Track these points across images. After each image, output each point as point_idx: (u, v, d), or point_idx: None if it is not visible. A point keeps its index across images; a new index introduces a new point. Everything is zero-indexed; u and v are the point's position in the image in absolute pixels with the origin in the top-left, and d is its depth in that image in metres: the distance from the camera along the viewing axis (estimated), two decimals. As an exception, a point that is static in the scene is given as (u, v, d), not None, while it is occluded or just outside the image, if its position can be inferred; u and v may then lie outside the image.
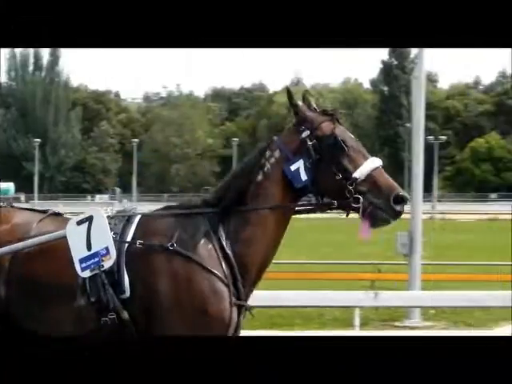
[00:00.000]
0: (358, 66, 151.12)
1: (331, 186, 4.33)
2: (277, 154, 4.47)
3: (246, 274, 4.42)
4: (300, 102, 4.54)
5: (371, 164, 4.31)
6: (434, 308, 13.33)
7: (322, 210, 4.51)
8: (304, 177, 4.36)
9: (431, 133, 67.42)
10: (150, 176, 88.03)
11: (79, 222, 4.45)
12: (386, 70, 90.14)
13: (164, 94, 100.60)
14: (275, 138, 4.57)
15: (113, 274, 4.38)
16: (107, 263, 4.35)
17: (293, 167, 4.39)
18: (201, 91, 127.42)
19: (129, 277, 4.37)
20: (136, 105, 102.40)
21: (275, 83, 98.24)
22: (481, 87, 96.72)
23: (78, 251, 4.40)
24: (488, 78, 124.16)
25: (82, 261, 4.38)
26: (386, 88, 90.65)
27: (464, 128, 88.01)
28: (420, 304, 11.80)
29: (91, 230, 4.41)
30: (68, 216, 4.75)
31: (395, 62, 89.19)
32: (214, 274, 4.34)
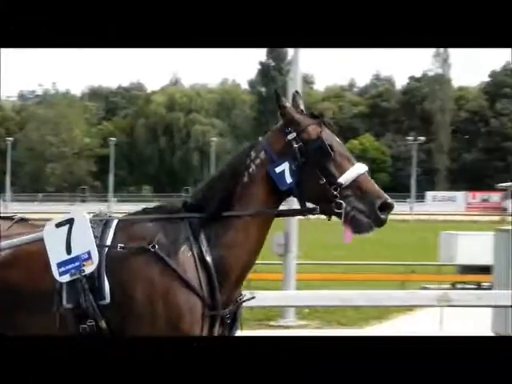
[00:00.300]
0: (235, 66, 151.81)
1: (315, 191, 4.25)
2: (262, 155, 4.35)
3: (225, 282, 4.31)
4: (288, 104, 4.42)
5: (357, 170, 4.23)
6: (308, 307, 13.57)
7: (304, 215, 4.42)
8: (289, 179, 4.27)
9: (308, 134, 68.29)
10: (24, 175, 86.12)
11: (58, 225, 4.29)
12: (264, 71, 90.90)
13: (40, 93, 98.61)
14: (260, 138, 4.45)
15: (93, 280, 4.22)
16: (89, 268, 4.20)
17: (278, 169, 4.29)
18: (77, 90, 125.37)
19: (109, 282, 4.22)
20: (11, 103, 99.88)
21: (153, 82, 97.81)
22: (355, 89, 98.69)
23: (55, 254, 4.23)
24: (362, 81, 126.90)
25: (60, 265, 4.21)
26: (263, 89, 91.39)
27: (339, 129, 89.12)
28: (294, 303, 11.97)
29: (72, 233, 4.26)
30: (36, 222, 4.58)
31: (272, 64, 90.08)
32: (190, 287, 4.23)
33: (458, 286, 17.65)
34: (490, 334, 10.33)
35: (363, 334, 11.17)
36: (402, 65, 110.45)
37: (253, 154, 4.37)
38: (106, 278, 4.22)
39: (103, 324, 4.20)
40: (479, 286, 16.55)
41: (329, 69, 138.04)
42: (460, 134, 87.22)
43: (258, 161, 4.35)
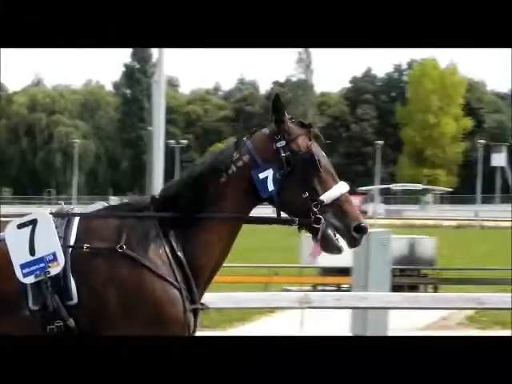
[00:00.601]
0: (99, 68, 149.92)
1: (296, 203, 4.21)
2: (246, 158, 4.25)
3: (198, 278, 4.23)
4: (286, 114, 4.35)
5: (339, 189, 4.22)
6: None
7: (279, 224, 4.38)
8: (271, 187, 4.20)
9: (172, 137, 68.33)
10: None
11: (20, 226, 4.16)
12: (128, 73, 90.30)
13: None
14: (246, 140, 4.34)
15: (59, 280, 4.09)
16: (54, 270, 4.08)
17: (261, 175, 4.21)
18: None
19: (75, 283, 4.10)
20: None
21: (14, 83, 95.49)
22: (220, 93, 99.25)
23: (18, 256, 4.10)
24: (227, 85, 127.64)
25: (23, 266, 4.09)
26: (128, 91, 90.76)
27: (204, 133, 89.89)
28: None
29: (35, 234, 4.14)
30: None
31: (137, 66, 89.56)
32: (166, 280, 4.13)
33: (319, 287, 17.97)
34: (348, 335, 10.59)
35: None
36: (266, 70, 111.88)
37: (235, 155, 4.28)
38: (72, 279, 4.11)
39: (72, 323, 4.11)
40: (339, 288, 16.91)
41: (193, 72, 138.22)
42: (322, 139, 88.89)
43: (239, 163, 4.26)
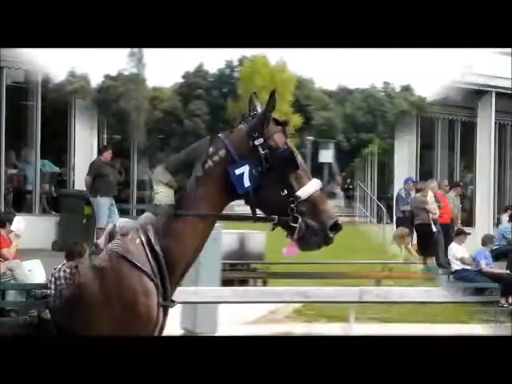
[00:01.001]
0: None
1: (273, 200, 4.19)
2: (222, 153, 4.23)
3: (172, 275, 4.19)
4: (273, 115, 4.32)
5: (314, 185, 4.22)
6: None
7: (257, 221, 4.35)
8: (247, 183, 4.17)
9: None
10: None
11: None
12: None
13: None
14: (221, 135, 4.30)
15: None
16: None
17: (237, 171, 4.18)
18: None
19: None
20: None
21: None
22: (50, 86, 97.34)
23: None
24: (57, 77, 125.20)
25: None
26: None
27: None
28: None
29: None
30: None
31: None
32: (144, 272, 4.08)
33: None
34: (179, 330, 10.63)
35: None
36: (97, 62, 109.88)
37: (211, 149, 4.27)
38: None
39: (47, 315, 4.06)
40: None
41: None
42: (155, 134, 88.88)
43: (215, 158, 4.25)
